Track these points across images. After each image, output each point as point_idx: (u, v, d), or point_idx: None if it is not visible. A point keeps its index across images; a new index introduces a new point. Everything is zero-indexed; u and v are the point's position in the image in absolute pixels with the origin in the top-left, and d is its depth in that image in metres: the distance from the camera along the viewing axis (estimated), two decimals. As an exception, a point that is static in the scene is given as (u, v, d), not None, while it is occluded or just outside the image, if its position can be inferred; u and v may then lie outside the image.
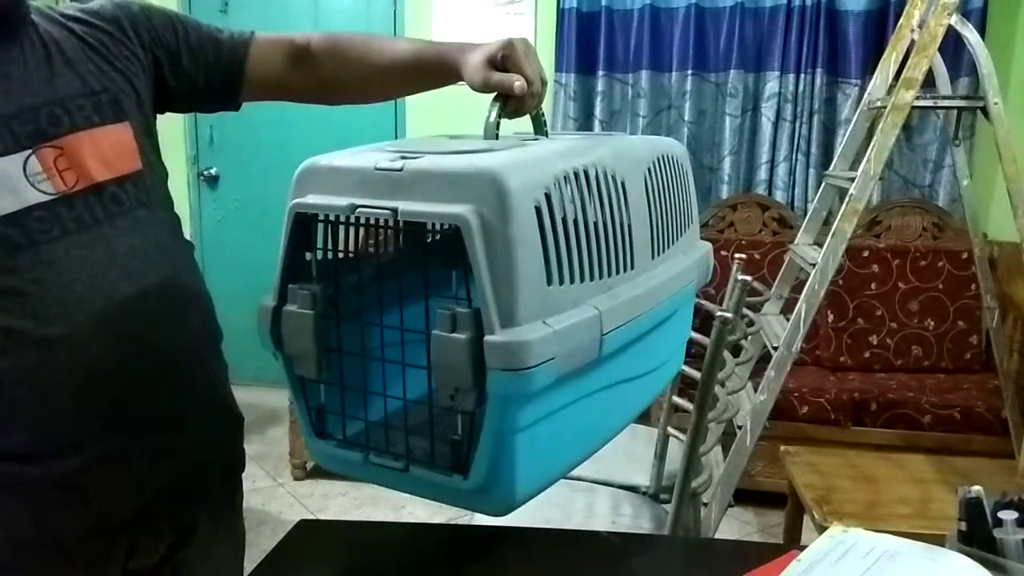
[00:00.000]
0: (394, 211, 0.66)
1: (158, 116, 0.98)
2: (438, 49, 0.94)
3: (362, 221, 0.70)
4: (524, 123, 0.89)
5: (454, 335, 0.64)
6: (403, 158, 0.68)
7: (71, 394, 0.82)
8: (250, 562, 0.87)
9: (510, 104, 0.84)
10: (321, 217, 0.72)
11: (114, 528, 0.88)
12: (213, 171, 3.75)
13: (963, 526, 0.72)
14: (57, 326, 0.80)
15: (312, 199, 0.71)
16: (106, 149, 0.85)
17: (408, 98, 3.47)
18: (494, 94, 0.84)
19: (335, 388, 0.75)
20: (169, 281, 0.90)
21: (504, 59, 0.84)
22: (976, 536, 0.71)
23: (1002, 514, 0.71)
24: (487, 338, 0.63)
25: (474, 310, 0.64)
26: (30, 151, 0.80)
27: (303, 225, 0.72)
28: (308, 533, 0.97)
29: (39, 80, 0.83)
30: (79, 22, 0.90)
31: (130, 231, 0.86)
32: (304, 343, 0.72)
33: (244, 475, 1.11)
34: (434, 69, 0.94)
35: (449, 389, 0.66)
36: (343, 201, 0.69)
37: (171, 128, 3.62)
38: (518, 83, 0.83)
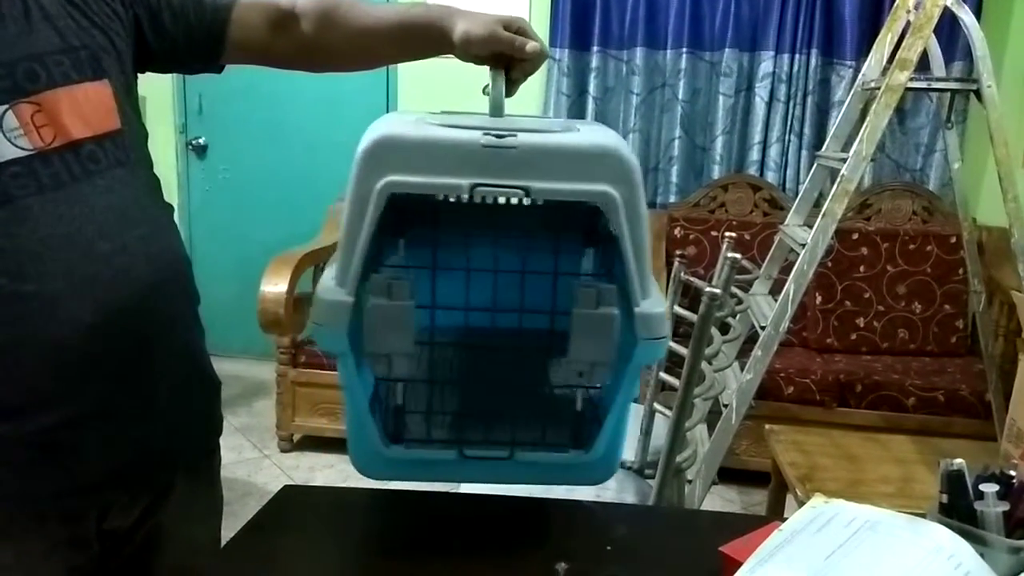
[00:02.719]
0: (525, 190, 0.64)
1: (139, 76, 0.97)
2: (428, 11, 0.92)
3: (476, 200, 0.65)
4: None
5: (602, 310, 0.65)
6: (496, 135, 0.65)
7: (44, 351, 0.81)
8: (234, 532, 0.87)
9: (515, 71, 0.83)
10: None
11: (87, 488, 0.88)
12: (201, 140, 3.71)
13: (944, 499, 0.73)
14: (31, 282, 0.80)
15: (413, 178, 0.64)
16: (84, 106, 0.84)
17: (400, 68, 3.43)
18: (490, 69, 0.82)
19: (415, 385, 0.70)
20: (147, 241, 0.89)
21: (518, 32, 0.84)
22: (957, 508, 0.72)
23: (983, 487, 0.71)
24: (640, 310, 0.65)
25: (616, 286, 0.66)
26: (7, 106, 0.79)
27: (396, 207, 0.65)
28: (293, 499, 0.97)
29: (16, 34, 0.81)
30: None
31: (107, 190, 0.85)
32: (400, 338, 0.66)
33: (230, 446, 1.11)
34: (421, 31, 0.92)
35: (584, 365, 0.67)
36: (460, 180, 0.64)
37: (159, 96, 3.57)
38: (531, 45, 0.81)
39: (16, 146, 0.79)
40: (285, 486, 0.98)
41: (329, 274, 0.69)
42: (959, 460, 0.72)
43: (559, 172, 0.65)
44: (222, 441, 1.09)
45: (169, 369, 0.93)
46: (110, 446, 0.88)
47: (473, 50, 0.85)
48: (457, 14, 0.88)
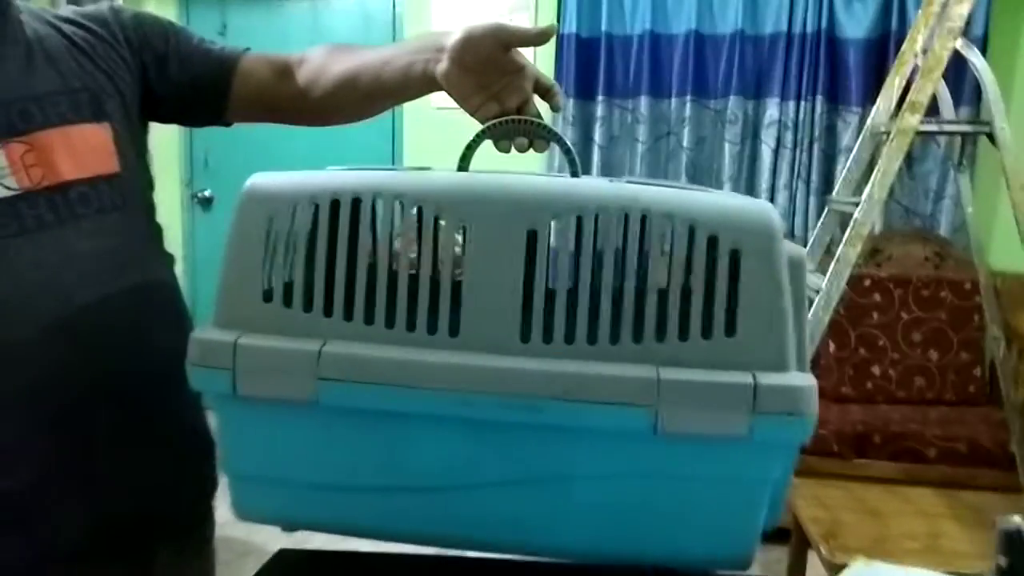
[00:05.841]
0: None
1: (150, 126, 0.94)
2: (422, 39, 0.85)
3: None
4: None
5: None
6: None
7: (15, 404, 0.76)
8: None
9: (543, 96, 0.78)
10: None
11: (63, 557, 0.81)
12: (207, 193, 3.71)
13: (1002, 561, 0.67)
14: (2, 329, 0.75)
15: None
16: (79, 147, 0.81)
17: (406, 114, 3.44)
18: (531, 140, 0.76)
19: None
20: (135, 289, 0.84)
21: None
22: (1018, 572, 0.66)
23: (1044, 548, 0.65)
24: None
25: None
26: None
27: None
28: (287, 564, 0.91)
29: (16, 75, 0.79)
30: (69, 23, 0.87)
31: (95, 234, 0.81)
32: None
33: (230, 504, 1.04)
34: (414, 49, 0.84)
35: None
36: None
37: (165, 148, 3.58)
38: (538, 29, 0.73)
39: (3, 186, 0.76)
40: (280, 550, 0.92)
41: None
42: (1017, 518, 0.66)
43: None
44: (222, 500, 1.02)
45: (153, 429, 0.87)
46: (87, 510, 0.81)
47: (475, 42, 0.76)
48: (447, 35, 0.79)
